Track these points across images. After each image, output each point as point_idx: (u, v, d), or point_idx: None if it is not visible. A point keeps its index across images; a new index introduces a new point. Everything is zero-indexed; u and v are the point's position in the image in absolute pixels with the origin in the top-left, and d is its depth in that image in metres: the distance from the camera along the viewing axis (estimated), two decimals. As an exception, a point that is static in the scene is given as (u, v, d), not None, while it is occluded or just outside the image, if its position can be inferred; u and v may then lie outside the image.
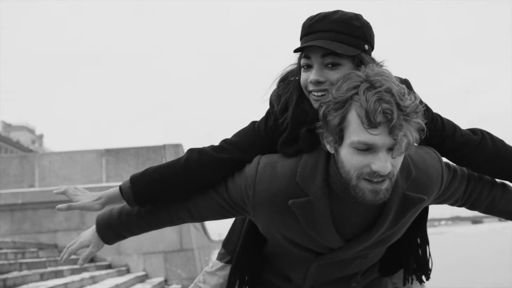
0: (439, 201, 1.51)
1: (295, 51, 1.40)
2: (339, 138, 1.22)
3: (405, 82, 1.46)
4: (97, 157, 9.72)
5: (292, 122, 1.41)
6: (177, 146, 9.91)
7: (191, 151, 1.53)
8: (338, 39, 1.33)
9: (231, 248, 1.82)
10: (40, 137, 72.57)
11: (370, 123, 1.15)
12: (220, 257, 1.95)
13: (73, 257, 5.92)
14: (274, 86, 1.54)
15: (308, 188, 1.33)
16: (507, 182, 1.59)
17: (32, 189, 9.34)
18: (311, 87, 1.37)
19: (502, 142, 1.59)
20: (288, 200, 1.34)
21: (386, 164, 1.18)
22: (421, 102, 1.39)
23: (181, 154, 8.26)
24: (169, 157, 9.71)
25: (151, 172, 1.53)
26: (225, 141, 1.54)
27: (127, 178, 6.38)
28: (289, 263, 1.58)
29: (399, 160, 1.24)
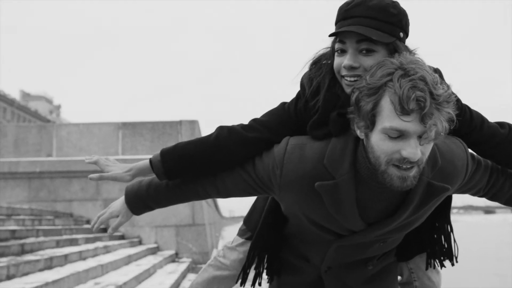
0: (462, 190, 1.53)
1: (331, 35, 1.40)
2: (371, 123, 1.23)
3: (437, 72, 1.46)
4: (114, 130, 9.84)
5: (323, 105, 1.42)
6: (193, 123, 9.98)
7: (221, 128, 1.55)
8: (374, 26, 1.33)
9: (252, 226, 1.85)
10: (58, 107, 73.18)
11: (403, 109, 1.16)
12: (240, 233, 2.00)
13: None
14: (306, 69, 1.55)
15: (336, 171, 1.35)
16: None
17: (49, 159, 9.51)
18: (344, 72, 1.38)
19: None
20: (314, 182, 1.36)
21: (416, 151, 1.19)
22: (452, 92, 1.40)
23: (196, 131, 8.35)
24: (185, 133, 9.79)
25: (182, 147, 1.56)
26: (254, 121, 1.56)
27: (142, 151, 6.56)
28: (308, 244, 1.61)
29: (428, 148, 1.25)
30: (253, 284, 1.78)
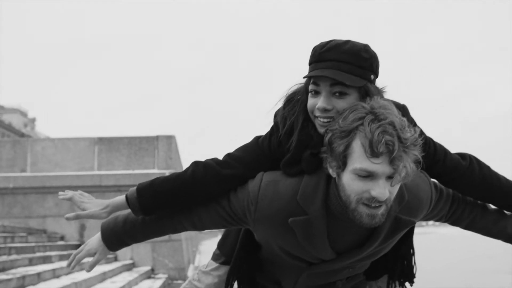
0: (425, 218, 1.62)
1: (305, 77, 1.46)
2: (343, 164, 1.30)
3: (403, 108, 1.57)
4: (90, 145, 9.76)
5: (296, 145, 1.47)
6: (170, 138, 9.97)
7: (196, 164, 1.58)
8: (346, 70, 1.39)
9: (227, 251, 1.89)
10: (33, 120, 72.05)
11: (373, 152, 1.24)
12: (215, 258, 2.04)
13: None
14: (280, 104, 1.60)
15: (308, 208, 1.41)
16: (487, 204, 1.70)
17: (23, 174, 9.39)
18: (317, 113, 1.44)
19: (488, 168, 1.69)
20: (288, 217, 1.42)
21: (384, 191, 1.27)
22: (421, 133, 1.50)
23: (173, 146, 8.36)
24: (162, 148, 9.77)
25: (158, 184, 1.58)
26: (229, 156, 1.59)
27: (119, 167, 6.55)
28: (281, 270, 1.67)
29: (396, 188, 1.33)
30: None
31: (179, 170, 1.73)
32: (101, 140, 9.86)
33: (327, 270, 1.57)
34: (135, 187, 1.60)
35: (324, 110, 1.41)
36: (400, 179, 1.29)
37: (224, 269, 1.95)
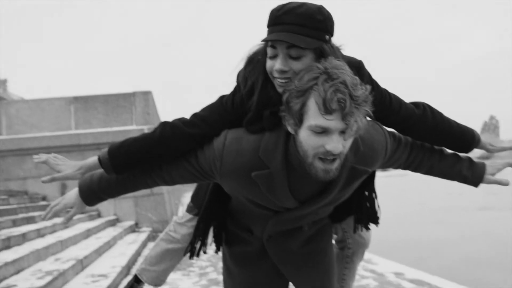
0: (384, 166, 1.73)
1: (263, 41, 1.50)
2: (299, 121, 1.39)
3: (359, 64, 1.65)
4: (66, 105, 9.68)
5: (257, 104, 1.56)
6: (147, 94, 9.93)
7: (164, 125, 1.65)
8: (302, 32, 1.44)
9: (199, 203, 2.01)
10: (4, 82, 70.25)
11: (326, 110, 1.32)
12: (189, 210, 2.18)
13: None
14: (242, 65, 1.67)
15: (270, 162, 1.51)
16: (443, 148, 1.83)
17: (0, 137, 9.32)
18: (276, 74, 1.50)
19: (440, 115, 1.81)
20: (251, 172, 1.52)
21: (338, 145, 1.36)
22: (377, 87, 1.64)
23: (151, 102, 8.36)
24: (139, 104, 9.74)
25: (128, 144, 1.65)
26: (195, 116, 1.67)
27: (96, 125, 6.60)
28: (250, 218, 1.79)
29: (349, 142, 1.42)
30: (198, 253, 1.94)
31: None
32: (76, 99, 9.77)
33: (292, 217, 1.69)
34: (106, 149, 1.67)
35: (282, 71, 1.48)
36: (352, 133, 1.39)
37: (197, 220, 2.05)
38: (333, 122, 1.33)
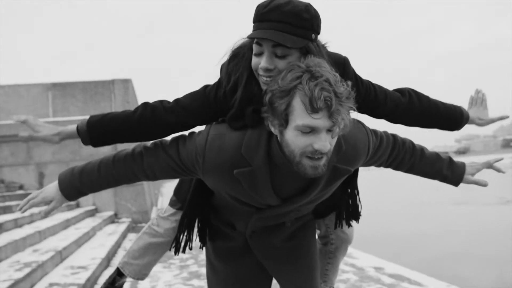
0: (366, 165, 1.72)
1: (248, 37, 1.49)
2: (285, 122, 1.36)
3: (344, 61, 1.65)
4: (43, 91, 9.50)
5: (240, 101, 1.54)
6: (127, 81, 9.80)
7: (145, 106, 1.65)
8: (288, 31, 1.43)
9: (182, 197, 2.00)
10: (-21, 65, 68.66)
11: (313, 109, 1.30)
12: (172, 203, 2.16)
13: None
14: (226, 58, 1.65)
15: (252, 160, 1.50)
16: (424, 147, 1.85)
17: (-25, 123, 9.10)
18: (261, 72, 1.49)
19: (427, 98, 1.85)
20: (233, 169, 1.50)
21: (326, 143, 1.35)
22: (360, 80, 1.66)
23: (130, 90, 8.26)
24: (118, 92, 9.61)
25: (108, 120, 1.65)
26: (177, 102, 1.65)
27: (75, 112, 6.50)
28: (233, 214, 1.78)
29: (335, 139, 1.42)
30: (184, 248, 1.92)
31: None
32: (54, 86, 9.59)
33: (274, 214, 1.69)
34: (86, 119, 1.66)
35: (267, 70, 1.47)
36: (339, 131, 1.39)
37: (180, 215, 2.03)
38: (321, 120, 1.32)
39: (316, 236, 2.14)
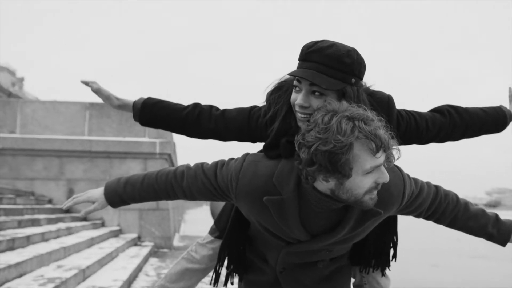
0: (403, 213, 1.70)
1: (289, 75, 1.56)
2: (349, 172, 1.36)
3: (388, 99, 1.70)
4: (81, 110, 9.71)
5: (277, 131, 1.62)
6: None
7: (195, 108, 1.83)
8: (326, 72, 1.50)
9: (221, 226, 2.06)
10: (21, 80, 71.03)
11: (377, 149, 1.35)
12: (211, 232, 2.23)
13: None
14: (270, 88, 1.73)
15: (282, 189, 1.53)
16: (470, 202, 1.80)
17: (12, 135, 9.33)
18: (297, 108, 1.56)
19: (466, 111, 1.88)
20: (264, 196, 1.54)
21: (387, 174, 1.41)
22: (399, 118, 1.71)
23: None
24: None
25: (160, 107, 1.85)
26: (223, 113, 1.81)
27: (109, 133, 6.66)
28: (266, 246, 1.79)
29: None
30: (225, 283, 1.94)
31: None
32: (92, 106, 9.79)
33: (304, 250, 1.68)
34: (143, 99, 1.87)
35: (301, 106, 1.54)
36: (393, 160, 1.44)
37: (218, 243, 2.10)
38: (382, 157, 1.37)
39: (351, 285, 2.09)
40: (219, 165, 1.66)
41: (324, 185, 1.43)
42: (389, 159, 1.42)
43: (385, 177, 1.40)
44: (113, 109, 10.09)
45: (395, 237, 1.97)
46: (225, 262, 1.92)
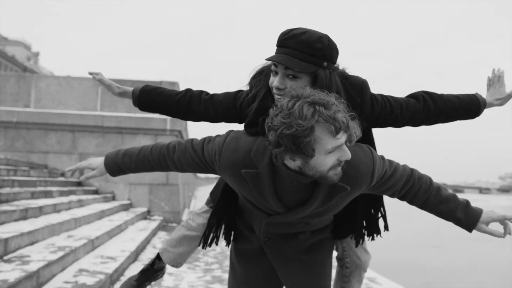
0: (376, 191, 1.80)
1: (266, 59, 1.69)
2: (312, 152, 1.48)
3: (362, 83, 1.82)
4: (94, 86, 9.86)
5: (255, 111, 1.77)
6: (173, 84, 10.05)
7: (186, 93, 2.01)
8: (299, 57, 1.63)
9: (215, 197, 2.18)
10: (36, 54, 71.42)
11: (337, 132, 1.46)
12: (207, 202, 2.41)
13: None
14: (253, 73, 1.86)
15: (258, 163, 1.67)
16: (443, 186, 1.87)
17: (27, 109, 9.53)
18: (274, 90, 1.70)
19: (440, 97, 1.97)
20: (242, 169, 1.69)
21: (348, 152, 1.52)
22: (373, 101, 1.83)
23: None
24: (164, 94, 9.86)
25: (156, 93, 2.05)
26: (211, 98, 1.99)
27: (121, 109, 6.86)
28: (252, 217, 1.94)
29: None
30: (210, 243, 2.13)
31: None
32: (105, 82, 9.93)
33: (282, 222, 1.82)
34: (141, 88, 2.07)
35: (278, 88, 1.68)
36: (354, 139, 1.54)
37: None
38: (342, 138, 1.48)
39: (334, 257, 2.20)
40: (206, 141, 1.81)
41: (292, 163, 1.55)
42: (350, 138, 1.53)
43: (347, 155, 1.52)
44: (125, 85, 10.26)
45: (382, 209, 2.09)
46: (213, 228, 2.09)
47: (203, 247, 2.12)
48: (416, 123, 1.98)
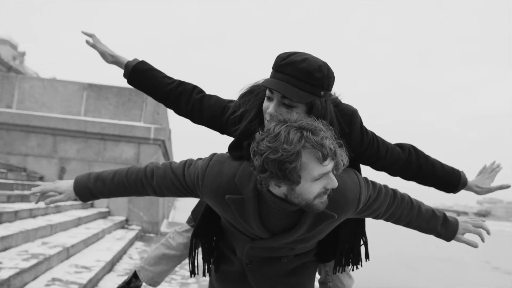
0: (361, 215, 1.80)
1: (262, 85, 1.63)
2: (299, 177, 1.44)
3: (352, 113, 1.79)
4: (79, 90, 9.75)
5: (240, 133, 1.71)
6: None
7: (178, 86, 1.93)
8: (297, 85, 1.56)
9: (196, 216, 2.13)
10: (22, 54, 70.64)
11: (324, 158, 1.42)
12: (188, 221, 2.36)
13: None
14: (244, 90, 1.81)
15: (243, 189, 1.62)
16: (421, 202, 1.91)
17: (8, 110, 9.38)
18: (267, 117, 1.62)
19: (425, 157, 1.98)
20: (226, 194, 1.64)
21: (335, 180, 1.49)
22: (363, 133, 1.81)
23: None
24: (150, 103, 9.79)
25: (149, 76, 1.97)
26: (202, 98, 1.91)
27: (105, 115, 6.74)
28: (234, 240, 1.89)
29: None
30: (204, 274, 2.04)
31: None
32: (90, 86, 9.84)
33: (266, 246, 1.78)
34: (136, 63, 1.98)
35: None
36: (341, 167, 1.50)
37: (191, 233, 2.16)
38: (329, 165, 1.45)
39: (316, 282, 2.17)
40: (186, 165, 1.76)
41: (277, 189, 1.51)
42: (337, 166, 1.49)
43: (333, 183, 1.48)
44: (111, 91, 10.10)
45: (364, 237, 2.06)
46: (197, 250, 2.02)
47: (191, 275, 2.05)
48: (394, 172, 1.98)
